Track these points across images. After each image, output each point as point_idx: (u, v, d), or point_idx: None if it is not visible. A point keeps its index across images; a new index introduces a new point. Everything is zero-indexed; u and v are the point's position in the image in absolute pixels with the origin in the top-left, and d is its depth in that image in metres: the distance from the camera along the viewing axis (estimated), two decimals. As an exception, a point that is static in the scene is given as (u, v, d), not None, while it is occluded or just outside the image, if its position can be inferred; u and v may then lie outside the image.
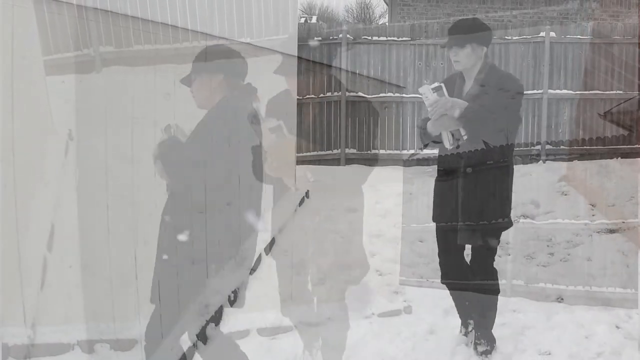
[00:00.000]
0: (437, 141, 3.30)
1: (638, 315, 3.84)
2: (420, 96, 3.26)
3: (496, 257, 3.50)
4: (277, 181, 3.50)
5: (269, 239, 4.97)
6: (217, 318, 3.84)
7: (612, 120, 8.52)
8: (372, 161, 8.67)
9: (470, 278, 3.44)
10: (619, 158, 8.25)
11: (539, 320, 3.92)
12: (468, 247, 3.47)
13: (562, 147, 8.84)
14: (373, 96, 8.74)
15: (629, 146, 8.57)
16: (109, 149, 2.86)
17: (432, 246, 3.94)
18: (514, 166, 3.41)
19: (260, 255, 4.73)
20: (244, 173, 2.94)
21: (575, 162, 8.31)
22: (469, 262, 3.51)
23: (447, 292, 3.59)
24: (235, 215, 2.95)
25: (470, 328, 3.60)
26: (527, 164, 8.37)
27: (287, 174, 3.25)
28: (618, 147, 8.66)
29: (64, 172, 2.73)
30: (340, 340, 3.55)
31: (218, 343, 3.43)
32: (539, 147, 8.81)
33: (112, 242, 2.91)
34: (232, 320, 3.81)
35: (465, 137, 3.17)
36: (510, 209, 3.39)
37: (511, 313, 4.02)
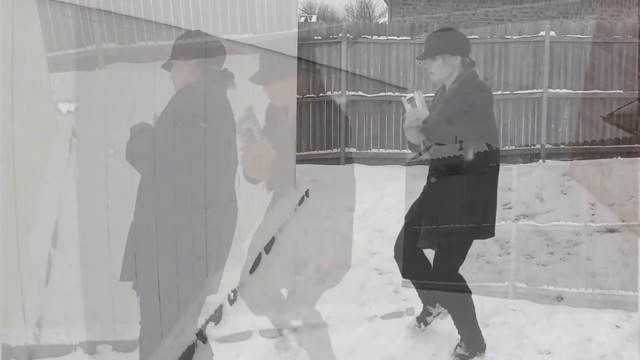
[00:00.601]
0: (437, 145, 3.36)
1: (638, 315, 3.84)
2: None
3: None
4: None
5: (269, 238, 4.97)
6: (216, 317, 3.84)
7: (615, 123, 8.53)
8: (373, 160, 8.68)
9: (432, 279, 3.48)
10: (619, 157, 8.25)
11: (539, 321, 3.92)
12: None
13: (562, 146, 8.85)
14: (373, 95, 8.74)
15: (628, 145, 8.58)
16: (110, 146, 2.86)
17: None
18: (500, 171, 3.40)
19: (260, 254, 4.74)
20: (212, 157, 2.94)
21: (575, 161, 8.31)
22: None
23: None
24: (207, 198, 2.95)
25: (429, 318, 3.69)
26: (527, 163, 8.38)
27: (262, 177, 3.29)
28: (618, 146, 8.67)
29: (67, 170, 2.72)
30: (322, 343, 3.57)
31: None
32: (538, 146, 8.81)
33: (113, 242, 2.90)
34: (233, 321, 3.81)
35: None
36: (480, 218, 3.38)
37: (512, 312, 4.03)
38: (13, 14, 2.31)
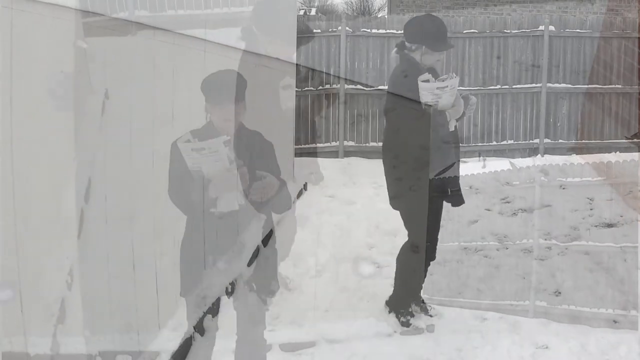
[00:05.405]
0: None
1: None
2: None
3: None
4: None
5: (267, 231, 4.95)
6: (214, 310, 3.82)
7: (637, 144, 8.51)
8: (371, 153, 8.66)
9: None
10: (618, 152, 8.25)
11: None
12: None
13: (560, 141, 8.84)
14: (372, 89, 8.72)
15: (627, 140, 8.57)
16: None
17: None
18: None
19: (257, 247, 4.72)
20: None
21: (574, 156, 8.30)
22: None
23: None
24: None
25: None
26: (525, 157, 8.36)
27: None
28: (617, 141, 8.66)
29: (100, 132, 2.74)
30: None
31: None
32: (537, 141, 8.81)
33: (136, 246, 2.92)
34: (231, 314, 3.79)
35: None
36: None
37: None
38: (12, 17, 2.30)
